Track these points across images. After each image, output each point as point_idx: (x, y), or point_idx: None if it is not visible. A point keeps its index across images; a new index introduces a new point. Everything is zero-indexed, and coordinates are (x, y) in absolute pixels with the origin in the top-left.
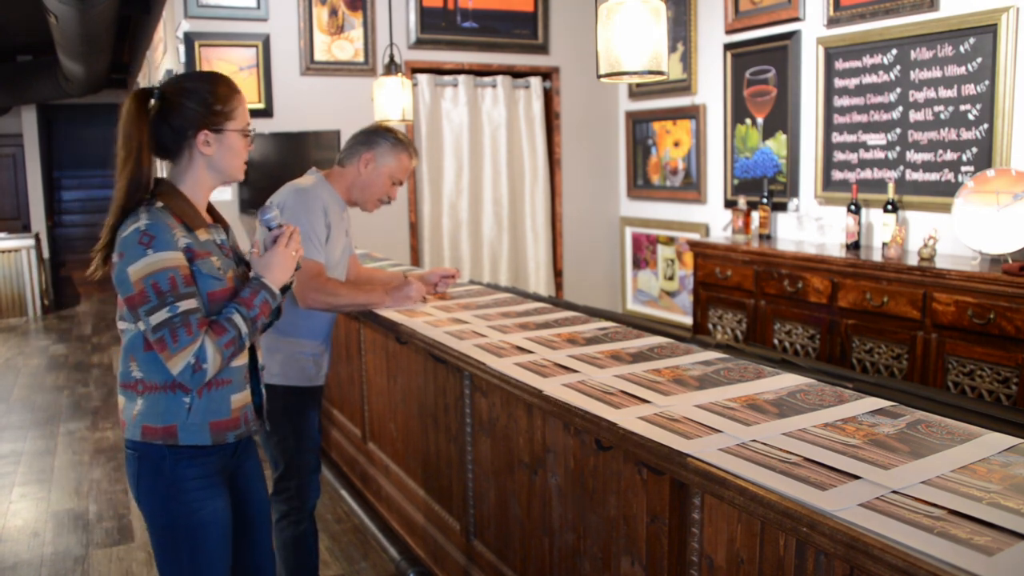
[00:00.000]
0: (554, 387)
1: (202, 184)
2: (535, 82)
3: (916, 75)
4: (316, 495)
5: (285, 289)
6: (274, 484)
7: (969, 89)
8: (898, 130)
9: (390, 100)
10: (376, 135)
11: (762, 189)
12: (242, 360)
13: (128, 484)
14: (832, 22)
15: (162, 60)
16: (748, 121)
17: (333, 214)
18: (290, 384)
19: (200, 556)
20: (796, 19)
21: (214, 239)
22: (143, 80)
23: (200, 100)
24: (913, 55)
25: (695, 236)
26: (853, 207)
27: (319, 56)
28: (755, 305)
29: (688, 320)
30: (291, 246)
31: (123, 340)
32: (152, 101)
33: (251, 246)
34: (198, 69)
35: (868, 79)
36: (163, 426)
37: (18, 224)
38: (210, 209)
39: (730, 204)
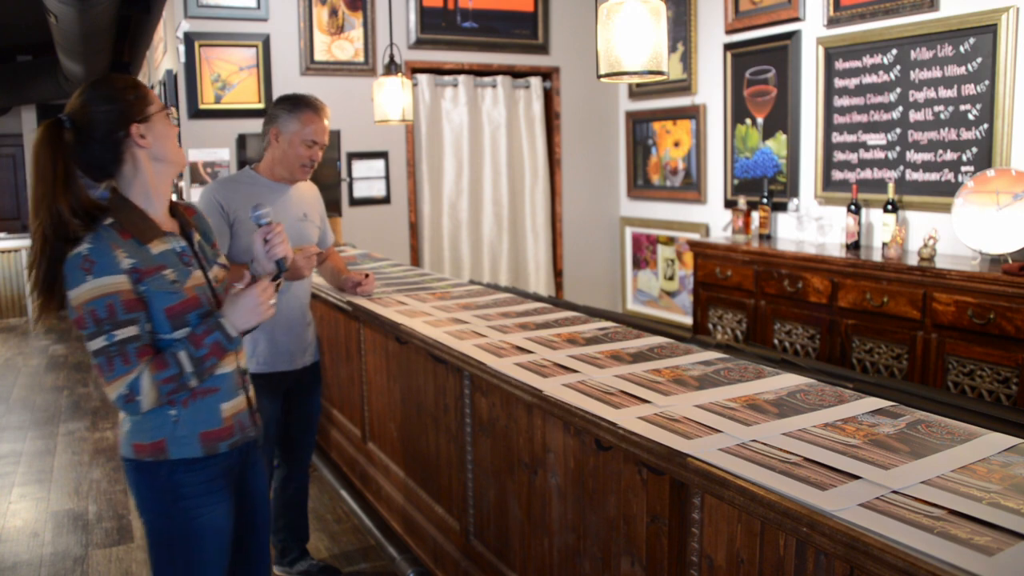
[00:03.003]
0: (554, 387)
1: (154, 185)
2: (535, 82)
3: (916, 75)
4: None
5: (249, 330)
6: None
7: (969, 89)
8: (898, 130)
9: (390, 100)
10: (274, 108)
11: (762, 189)
12: (231, 366)
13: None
14: (832, 22)
15: (162, 60)
16: (748, 121)
17: (241, 207)
18: None
19: (195, 565)
20: (796, 19)
21: (172, 248)
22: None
23: (111, 99)
24: (913, 55)
25: (695, 236)
26: (853, 207)
27: (319, 56)
28: (755, 305)
29: (688, 320)
30: (267, 292)
31: None
32: (66, 129)
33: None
34: (198, 69)
35: (868, 79)
36: (151, 442)
37: (17, 224)
38: (174, 211)
39: (730, 204)
